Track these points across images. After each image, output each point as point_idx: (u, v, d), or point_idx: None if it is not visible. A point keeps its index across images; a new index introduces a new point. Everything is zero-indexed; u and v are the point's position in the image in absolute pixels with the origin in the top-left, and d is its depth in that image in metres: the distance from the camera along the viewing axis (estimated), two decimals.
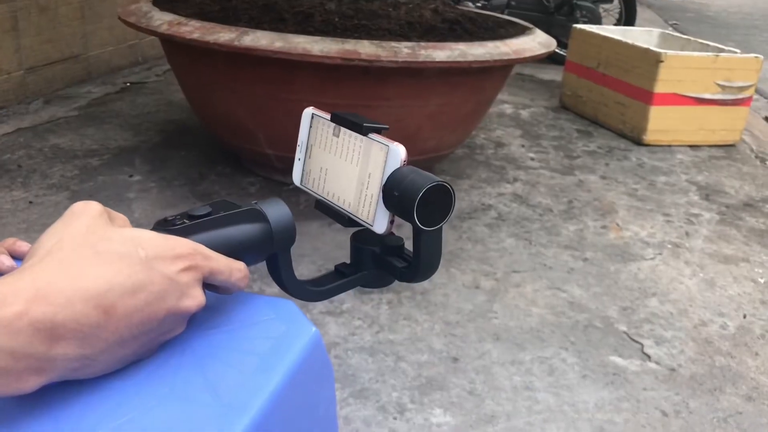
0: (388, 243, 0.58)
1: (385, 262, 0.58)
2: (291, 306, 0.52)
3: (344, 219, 0.58)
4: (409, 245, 0.58)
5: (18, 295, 0.36)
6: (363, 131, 0.55)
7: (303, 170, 0.61)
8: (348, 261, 0.61)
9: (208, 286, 0.46)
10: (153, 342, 0.43)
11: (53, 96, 3.37)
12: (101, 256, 0.40)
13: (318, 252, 2.06)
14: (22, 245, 0.57)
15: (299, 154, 0.62)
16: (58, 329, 0.36)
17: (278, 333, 0.48)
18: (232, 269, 0.47)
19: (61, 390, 0.40)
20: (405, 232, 0.56)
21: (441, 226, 0.53)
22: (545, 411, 1.51)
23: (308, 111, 0.61)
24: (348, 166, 0.56)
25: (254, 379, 0.43)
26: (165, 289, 0.41)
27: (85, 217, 0.42)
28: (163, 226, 0.47)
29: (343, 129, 0.57)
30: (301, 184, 0.62)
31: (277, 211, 0.52)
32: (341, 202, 0.57)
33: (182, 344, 0.46)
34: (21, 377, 0.36)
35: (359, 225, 0.56)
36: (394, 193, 0.52)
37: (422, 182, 0.51)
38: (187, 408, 0.40)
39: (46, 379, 0.37)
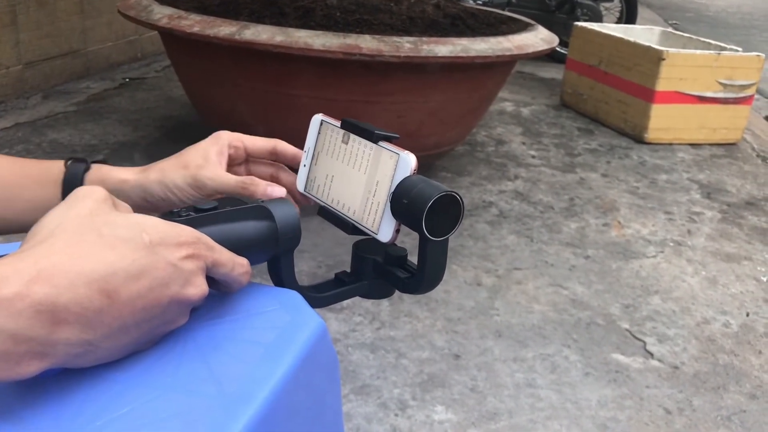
0: (392, 253, 0.57)
1: (387, 272, 0.57)
2: (295, 296, 0.51)
3: (348, 227, 0.56)
4: (411, 257, 0.56)
5: (19, 276, 0.34)
6: (374, 139, 0.54)
7: (308, 177, 0.60)
8: (348, 268, 0.60)
9: (210, 282, 0.45)
10: (155, 331, 0.42)
11: (52, 91, 3.35)
12: (105, 239, 0.38)
13: (318, 248, 2.05)
14: (286, 147, 0.61)
15: (305, 161, 0.61)
16: (60, 312, 0.35)
17: (283, 323, 0.47)
18: (235, 263, 0.46)
19: (61, 379, 0.39)
20: (405, 243, 0.54)
21: (448, 237, 0.52)
22: (548, 408, 1.50)
23: (317, 117, 0.60)
24: (355, 174, 0.55)
25: (259, 370, 0.42)
26: (168, 276, 0.40)
27: (89, 200, 0.41)
28: (169, 217, 0.46)
29: (352, 136, 0.56)
30: (305, 190, 0.61)
31: (284, 210, 0.51)
32: (346, 210, 0.56)
33: (185, 335, 0.45)
34: (21, 361, 0.34)
35: (363, 233, 0.55)
36: (403, 201, 0.51)
37: (432, 191, 0.49)
38: (190, 399, 0.39)
39: (47, 364, 0.36)
